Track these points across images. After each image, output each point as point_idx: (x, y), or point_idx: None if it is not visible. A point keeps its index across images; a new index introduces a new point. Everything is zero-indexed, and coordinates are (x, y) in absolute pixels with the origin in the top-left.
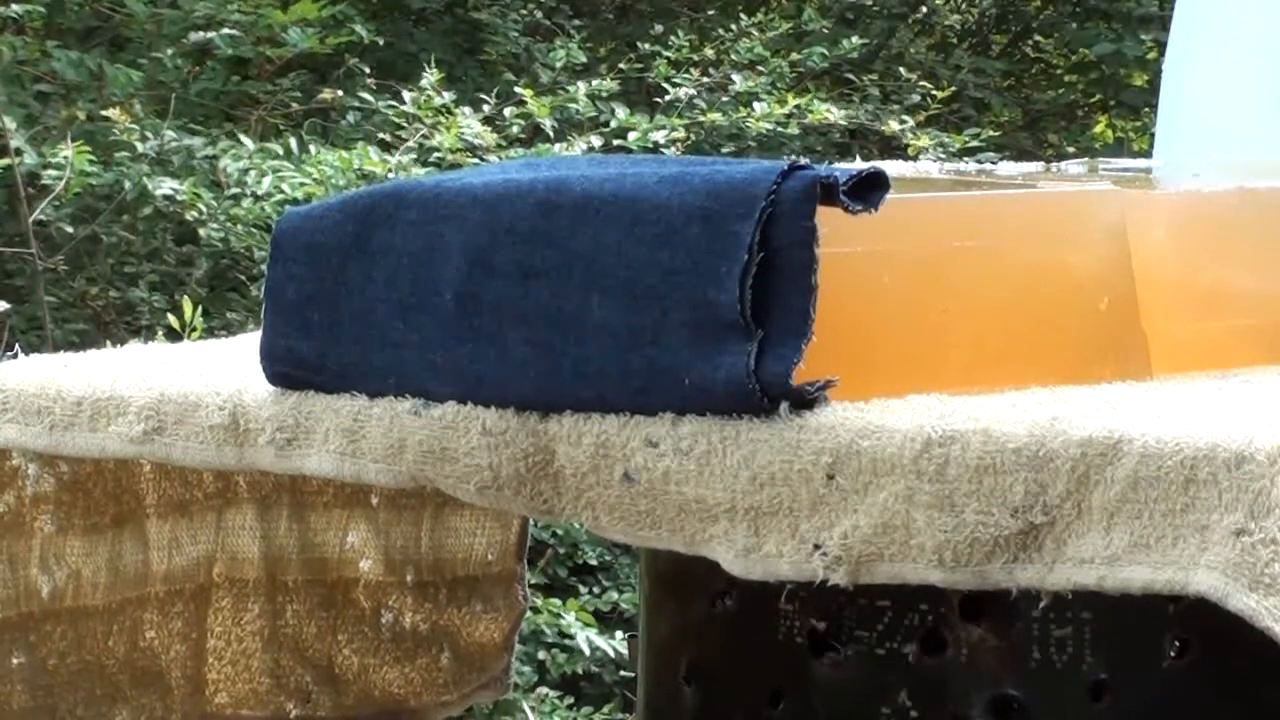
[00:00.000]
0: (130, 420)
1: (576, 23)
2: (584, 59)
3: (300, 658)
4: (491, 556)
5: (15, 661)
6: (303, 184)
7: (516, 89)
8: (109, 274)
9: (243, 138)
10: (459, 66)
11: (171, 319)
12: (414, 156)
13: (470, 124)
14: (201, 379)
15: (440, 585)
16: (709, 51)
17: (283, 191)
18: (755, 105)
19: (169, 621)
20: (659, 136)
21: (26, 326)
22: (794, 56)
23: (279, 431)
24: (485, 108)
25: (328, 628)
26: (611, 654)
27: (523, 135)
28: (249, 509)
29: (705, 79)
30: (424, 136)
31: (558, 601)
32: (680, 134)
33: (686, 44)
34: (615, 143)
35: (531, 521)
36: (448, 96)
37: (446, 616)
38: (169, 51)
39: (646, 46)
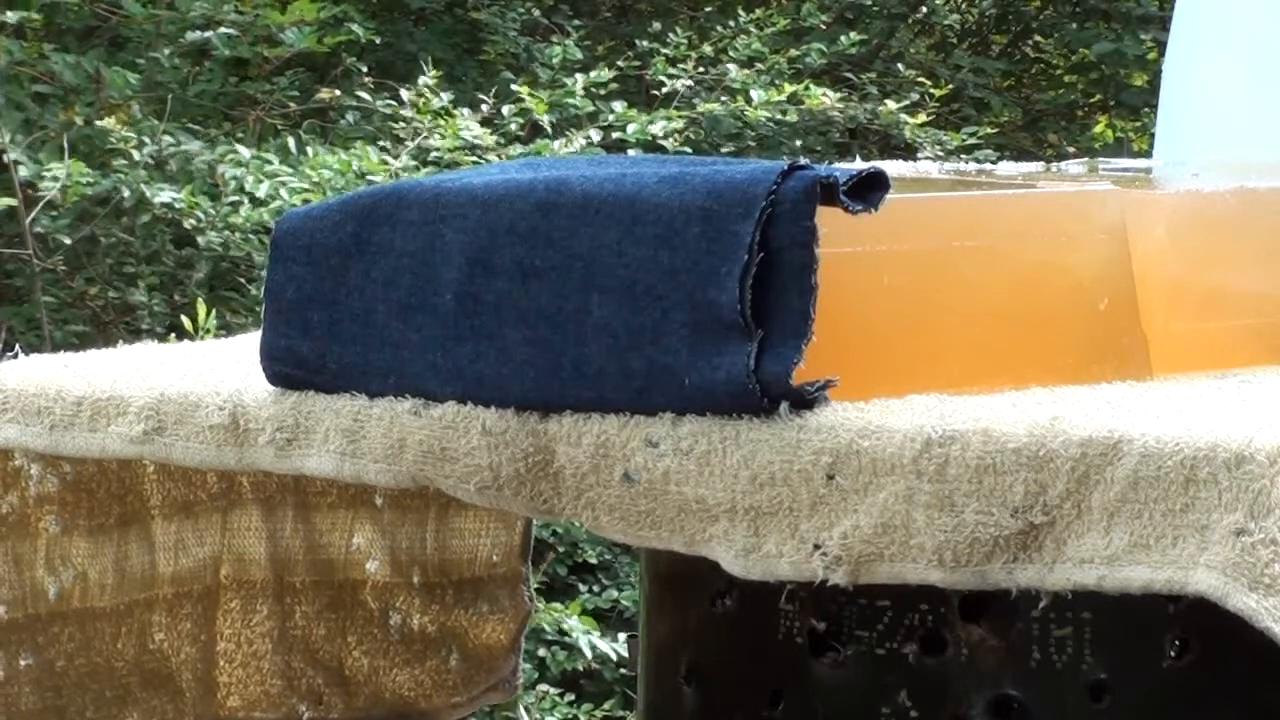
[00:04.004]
0: (130, 420)
1: (576, 22)
2: (581, 56)
3: (311, 659)
4: (496, 557)
5: (23, 663)
6: (301, 189)
7: (514, 87)
8: (108, 274)
9: (240, 146)
10: (458, 66)
11: (185, 320)
12: (412, 158)
13: (469, 125)
14: (201, 379)
15: (447, 586)
16: (707, 48)
17: (281, 198)
18: (753, 94)
19: (178, 624)
20: (657, 129)
21: (25, 328)
22: (793, 53)
23: (279, 431)
24: (484, 108)
25: (337, 629)
26: (614, 657)
27: (521, 133)
28: (254, 510)
29: (704, 73)
30: (422, 141)
31: (560, 605)
32: (679, 125)
33: (685, 41)
34: (614, 137)
35: (533, 521)
36: (445, 97)
37: (454, 618)
38: (166, 51)
39: (645, 44)
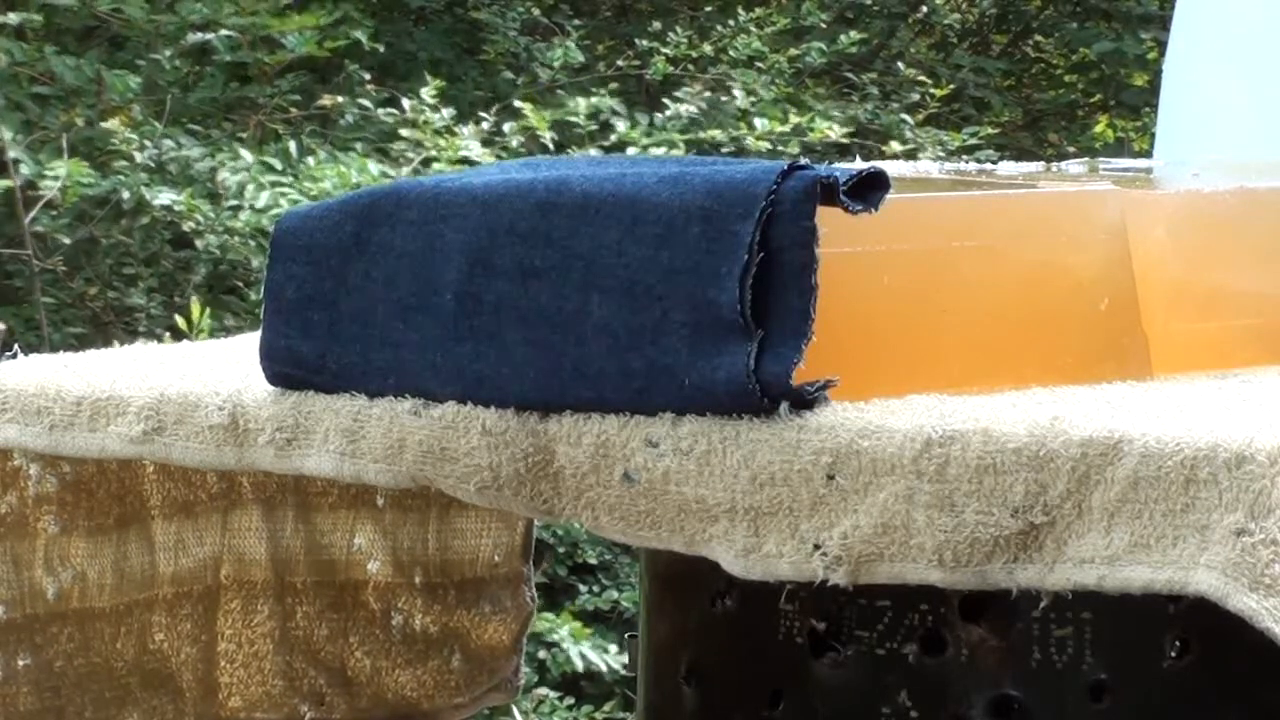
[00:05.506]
0: (130, 420)
1: (576, 22)
2: (581, 58)
3: (313, 660)
4: (498, 558)
5: (21, 663)
6: (299, 201)
7: (515, 101)
8: (107, 275)
9: (241, 150)
10: (458, 66)
11: (179, 320)
12: (413, 173)
13: (470, 144)
14: (201, 379)
15: (449, 587)
16: (707, 48)
17: (280, 207)
18: (756, 122)
19: (178, 624)
20: (659, 152)
21: (25, 328)
22: (793, 53)
23: (279, 431)
24: (484, 124)
25: (339, 630)
26: (604, 668)
27: (522, 149)
28: (254, 510)
29: (707, 93)
30: (423, 162)
31: (552, 616)
32: (679, 151)
33: (685, 40)
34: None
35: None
36: (446, 114)
37: (456, 618)
38: (167, 53)
39: (645, 44)
